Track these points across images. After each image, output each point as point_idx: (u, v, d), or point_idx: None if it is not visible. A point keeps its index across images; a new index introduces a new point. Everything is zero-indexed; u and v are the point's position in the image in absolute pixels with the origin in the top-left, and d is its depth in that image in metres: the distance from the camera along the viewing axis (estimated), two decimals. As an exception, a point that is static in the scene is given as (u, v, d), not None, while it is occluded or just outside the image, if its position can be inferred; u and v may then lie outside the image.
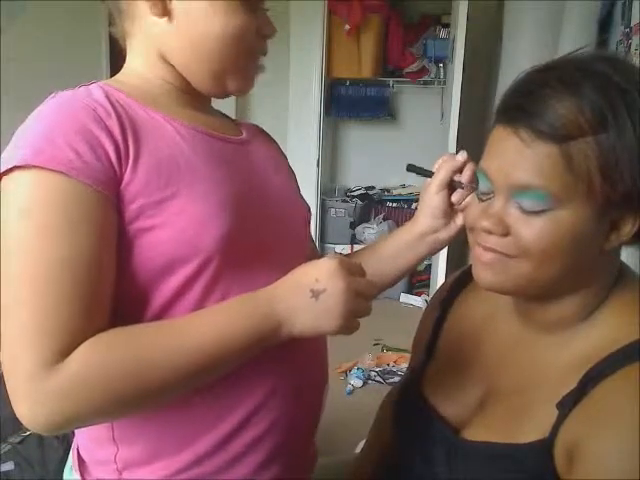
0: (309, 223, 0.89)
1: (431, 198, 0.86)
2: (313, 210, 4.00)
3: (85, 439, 0.76)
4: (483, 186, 0.68)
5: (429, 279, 3.66)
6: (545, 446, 0.64)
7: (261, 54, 0.78)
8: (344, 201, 4.10)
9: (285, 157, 0.93)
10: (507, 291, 0.70)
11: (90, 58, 2.82)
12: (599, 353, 0.64)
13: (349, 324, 0.65)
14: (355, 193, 4.16)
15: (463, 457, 0.73)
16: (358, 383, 2.62)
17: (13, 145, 0.64)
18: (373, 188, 4.24)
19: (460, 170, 0.84)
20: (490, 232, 0.66)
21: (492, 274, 0.68)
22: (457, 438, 0.75)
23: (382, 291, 0.93)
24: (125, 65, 0.78)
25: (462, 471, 0.73)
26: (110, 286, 0.64)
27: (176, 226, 0.65)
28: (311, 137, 3.75)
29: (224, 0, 0.70)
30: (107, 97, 0.67)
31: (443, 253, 3.17)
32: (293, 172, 0.92)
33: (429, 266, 3.68)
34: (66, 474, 0.81)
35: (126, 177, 0.64)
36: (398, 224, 3.88)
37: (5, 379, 0.59)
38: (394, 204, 4.14)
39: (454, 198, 0.85)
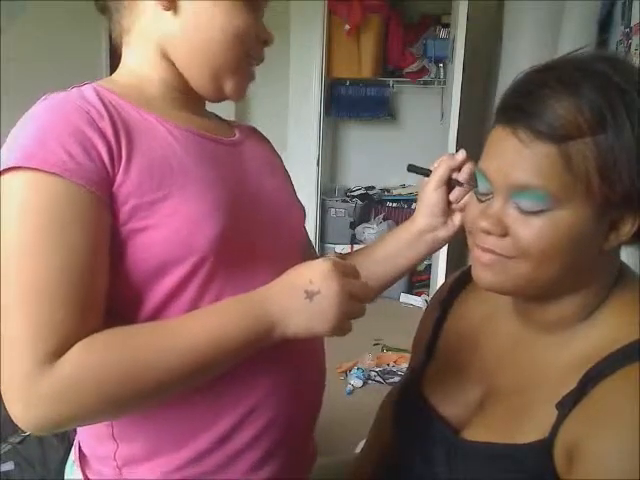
0: (304, 223, 0.89)
1: (429, 196, 0.86)
2: (313, 210, 4.00)
3: (86, 435, 0.76)
4: (482, 187, 0.68)
5: (429, 279, 3.66)
6: (545, 446, 0.64)
7: (257, 60, 0.79)
8: (344, 201, 4.10)
9: (280, 158, 0.93)
10: (507, 291, 0.70)
11: (90, 58, 2.81)
12: (599, 353, 0.64)
13: (342, 326, 0.65)
14: (355, 193, 4.16)
15: (463, 457, 0.73)
16: (358, 383, 2.62)
17: (6, 148, 0.64)
18: (373, 188, 4.24)
19: (459, 168, 0.85)
20: (489, 232, 0.66)
21: (491, 274, 0.68)
22: (457, 438, 0.75)
23: (382, 291, 0.93)
24: (121, 64, 0.78)
25: (462, 471, 0.73)
26: (104, 287, 0.64)
27: (170, 227, 0.65)
28: (311, 137, 3.75)
29: None
30: (100, 98, 0.67)
31: (443, 253, 3.17)
32: (287, 173, 0.92)
33: (429, 266, 3.68)
34: (67, 470, 0.82)
35: (119, 178, 0.64)
36: (398, 224, 3.83)
37: None
38: (394, 204, 4.14)
39: (452, 196, 0.86)
